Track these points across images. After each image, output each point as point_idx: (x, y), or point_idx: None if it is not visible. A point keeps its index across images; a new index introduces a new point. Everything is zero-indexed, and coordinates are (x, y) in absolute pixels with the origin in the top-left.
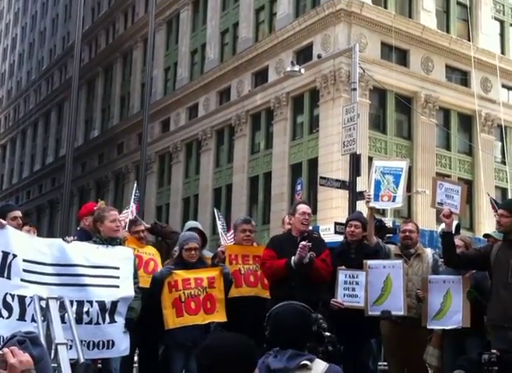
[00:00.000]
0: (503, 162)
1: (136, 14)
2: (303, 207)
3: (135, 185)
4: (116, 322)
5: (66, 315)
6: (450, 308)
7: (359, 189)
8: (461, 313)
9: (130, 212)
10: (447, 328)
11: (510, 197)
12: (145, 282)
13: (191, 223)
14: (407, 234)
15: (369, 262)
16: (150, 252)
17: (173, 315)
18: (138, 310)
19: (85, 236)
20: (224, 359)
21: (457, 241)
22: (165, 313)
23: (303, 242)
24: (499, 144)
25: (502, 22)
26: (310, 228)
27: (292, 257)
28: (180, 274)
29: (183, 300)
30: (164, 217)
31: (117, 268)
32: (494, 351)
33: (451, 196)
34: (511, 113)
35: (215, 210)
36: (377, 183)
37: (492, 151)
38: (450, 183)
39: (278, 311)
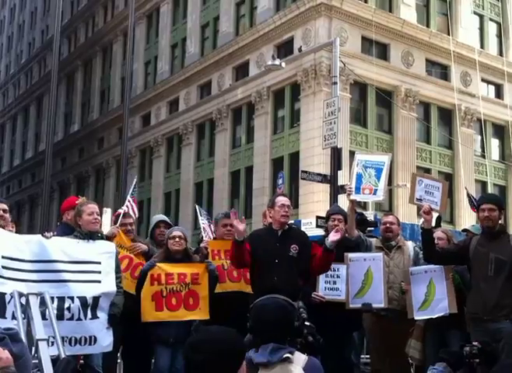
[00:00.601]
0: (483, 156)
1: (116, 7)
2: (282, 200)
3: (135, 179)
4: (98, 317)
5: (47, 311)
6: (434, 296)
7: (340, 182)
8: (446, 300)
9: (128, 207)
10: (434, 316)
11: (489, 191)
12: (130, 287)
13: (158, 216)
14: (388, 226)
15: (350, 255)
16: (142, 259)
17: (151, 308)
18: (120, 305)
19: (68, 230)
20: (217, 353)
21: (439, 233)
22: (143, 305)
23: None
24: (479, 137)
25: (481, 17)
26: (292, 221)
27: (235, 233)
28: (164, 268)
29: (164, 294)
30: (146, 213)
31: (99, 263)
32: (476, 343)
33: (431, 193)
34: (491, 107)
35: (197, 207)
36: (359, 176)
37: (471, 145)
38: (431, 180)
39: (261, 304)
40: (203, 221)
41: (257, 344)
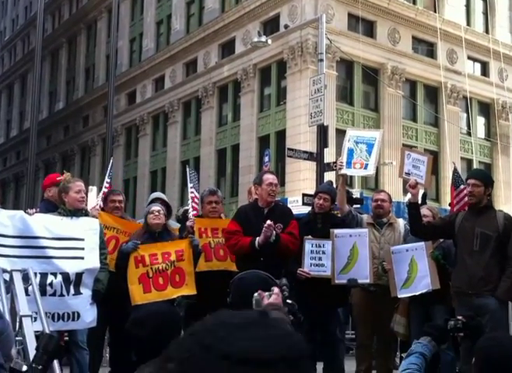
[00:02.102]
0: (469, 134)
1: None
2: (269, 178)
3: (111, 161)
4: (81, 293)
5: (30, 287)
6: (417, 274)
7: (326, 160)
8: (428, 277)
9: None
10: (417, 293)
11: (475, 168)
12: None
13: (155, 194)
14: (379, 203)
15: (336, 231)
16: (131, 231)
17: (140, 290)
18: (105, 282)
19: (50, 207)
20: (159, 327)
21: (424, 211)
22: (131, 289)
23: (268, 222)
24: (465, 115)
25: None
26: (279, 199)
27: (257, 238)
28: (147, 249)
29: (150, 275)
30: (132, 191)
31: (82, 239)
32: (460, 317)
33: (418, 167)
34: (476, 84)
35: (188, 170)
36: (350, 151)
37: (457, 123)
38: (417, 154)
39: (241, 277)
40: (191, 190)
41: None
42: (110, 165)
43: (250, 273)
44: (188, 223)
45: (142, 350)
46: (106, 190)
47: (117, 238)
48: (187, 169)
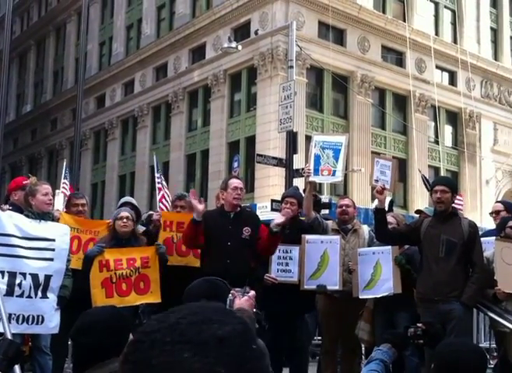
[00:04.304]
0: (436, 142)
1: None
2: (234, 182)
3: (64, 164)
4: (48, 297)
5: None
6: (380, 277)
7: (295, 166)
8: (391, 280)
9: (62, 192)
10: (378, 296)
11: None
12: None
13: (125, 198)
14: (344, 208)
15: (308, 236)
16: (93, 229)
17: (102, 295)
18: (70, 288)
19: (16, 211)
20: (101, 333)
21: (389, 218)
22: (93, 292)
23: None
24: (433, 124)
25: (436, 4)
26: (248, 204)
27: (194, 213)
28: (113, 254)
29: (114, 281)
30: (100, 195)
31: (53, 240)
32: (420, 325)
33: (384, 172)
34: (444, 93)
35: (155, 158)
36: (317, 158)
37: (425, 131)
38: (384, 159)
39: (190, 286)
40: (158, 180)
41: None
42: (64, 168)
43: (198, 282)
44: (155, 216)
45: (83, 358)
46: (64, 191)
47: (78, 238)
48: (155, 158)
